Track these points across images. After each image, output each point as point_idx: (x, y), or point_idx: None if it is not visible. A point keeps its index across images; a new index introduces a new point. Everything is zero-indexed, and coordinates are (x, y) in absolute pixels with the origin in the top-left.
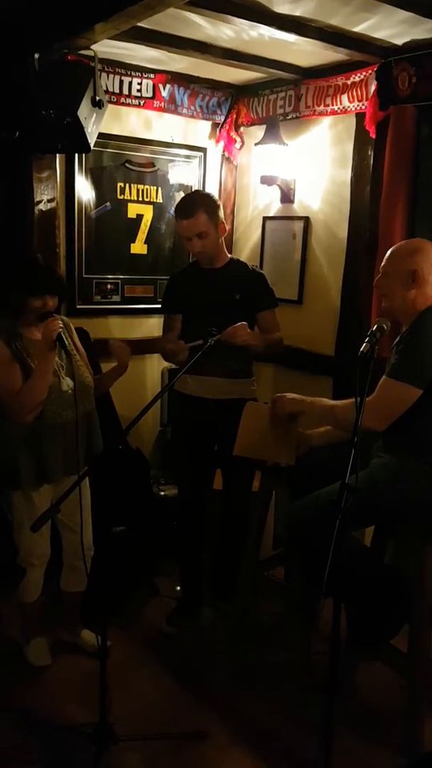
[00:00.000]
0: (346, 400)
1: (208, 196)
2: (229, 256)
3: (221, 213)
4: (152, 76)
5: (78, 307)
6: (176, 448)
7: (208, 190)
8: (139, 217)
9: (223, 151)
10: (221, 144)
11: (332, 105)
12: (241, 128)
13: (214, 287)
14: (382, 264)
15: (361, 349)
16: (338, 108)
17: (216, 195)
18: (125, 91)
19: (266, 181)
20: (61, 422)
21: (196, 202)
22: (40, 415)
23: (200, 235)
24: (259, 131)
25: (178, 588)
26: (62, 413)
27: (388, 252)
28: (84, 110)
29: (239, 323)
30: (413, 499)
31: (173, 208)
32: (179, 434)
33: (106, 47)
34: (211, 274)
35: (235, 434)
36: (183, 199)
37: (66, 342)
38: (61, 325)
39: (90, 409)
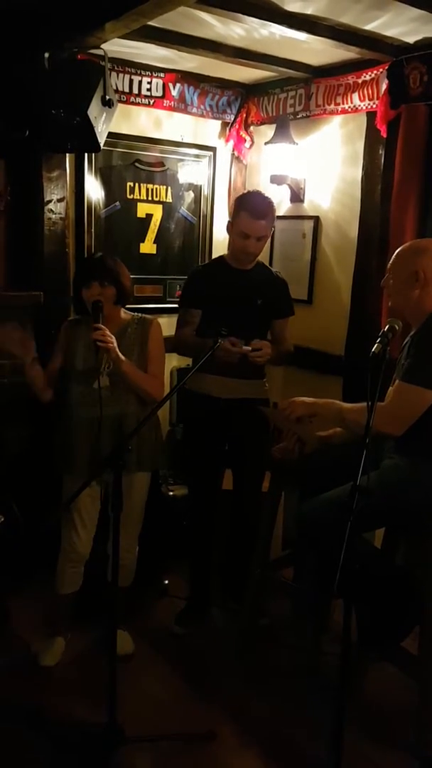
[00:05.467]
0: (357, 404)
1: (273, 202)
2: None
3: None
4: (162, 75)
5: None
6: (186, 447)
7: (217, 189)
8: (149, 216)
9: (233, 151)
10: (231, 143)
11: (343, 104)
12: (251, 127)
13: (239, 288)
14: (389, 264)
15: (373, 350)
16: (349, 107)
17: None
18: (135, 91)
19: (276, 180)
20: (90, 419)
21: (269, 206)
22: (73, 411)
23: (260, 239)
24: (269, 130)
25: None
26: (92, 411)
27: (395, 252)
28: (94, 109)
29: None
30: (424, 501)
31: (183, 208)
32: (189, 433)
33: (116, 46)
34: (237, 274)
35: (245, 434)
36: (256, 198)
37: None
38: (102, 334)
39: (124, 410)
